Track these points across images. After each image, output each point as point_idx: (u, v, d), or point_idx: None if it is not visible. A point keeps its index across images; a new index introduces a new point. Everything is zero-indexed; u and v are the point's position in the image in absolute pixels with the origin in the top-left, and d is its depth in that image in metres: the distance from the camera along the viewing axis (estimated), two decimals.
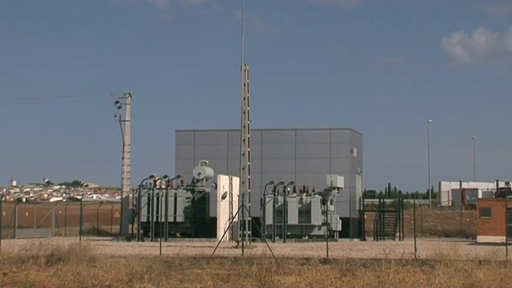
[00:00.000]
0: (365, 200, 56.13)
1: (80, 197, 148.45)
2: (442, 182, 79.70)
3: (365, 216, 54.32)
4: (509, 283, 19.94)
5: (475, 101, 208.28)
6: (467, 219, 58.13)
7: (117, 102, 55.27)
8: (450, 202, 74.71)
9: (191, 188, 50.23)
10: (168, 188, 49.93)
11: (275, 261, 27.01)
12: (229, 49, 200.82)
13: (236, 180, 45.86)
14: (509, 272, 21.42)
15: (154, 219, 48.46)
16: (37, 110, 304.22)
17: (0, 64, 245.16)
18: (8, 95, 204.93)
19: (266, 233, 46.26)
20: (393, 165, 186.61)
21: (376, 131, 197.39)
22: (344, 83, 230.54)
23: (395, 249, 28.64)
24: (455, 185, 78.39)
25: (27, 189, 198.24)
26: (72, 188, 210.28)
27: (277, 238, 46.86)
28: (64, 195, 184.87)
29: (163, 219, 48.24)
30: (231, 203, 46.90)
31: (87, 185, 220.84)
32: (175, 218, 49.00)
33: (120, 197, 60.28)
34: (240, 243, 34.77)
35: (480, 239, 43.13)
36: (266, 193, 47.76)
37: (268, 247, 31.44)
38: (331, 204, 48.01)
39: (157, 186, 49.88)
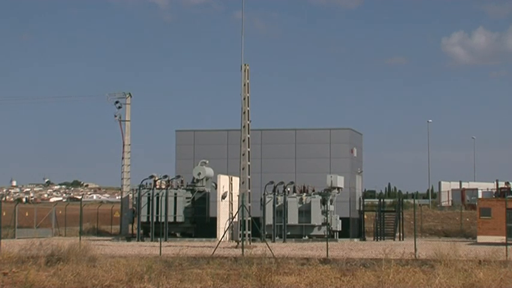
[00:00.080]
0: (365, 200, 56.10)
1: (80, 197, 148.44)
2: (442, 182, 79.70)
3: (365, 216, 54.30)
4: (509, 283, 19.95)
5: (475, 101, 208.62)
6: (467, 219, 58.12)
7: (117, 102, 55.28)
8: (450, 202, 74.69)
9: (191, 188, 50.23)
10: (168, 188, 49.92)
11: (275, 261, 27.01)
12: (229, 49, 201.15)
13: (236, 180, 45.85)
14: (509, 272, 21.42)
15: (154, 219, 48.46)
16: (37, 110, 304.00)
17: (0, 64, 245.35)
18: (8, 95, 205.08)
19: (266, 233, 46.26)
20: (393, 165, 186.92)
21: (376, 131, 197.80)
22: (344, 83, 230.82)
23: (395, 249, 28.64)
24: (455, 185, 78.39)
25: (27, 189, 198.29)
26: (72, 188, 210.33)
27: (277, 238, 46.86)
28: (64, 195, 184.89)
29: (163, 219, 48.23)
30: (231, 203, 46.90)
31: (87, 185, 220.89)
32: (175, 218, 49.00)
33: (120, 197, 60.28)
34: (240, 243, 34.76)
35: (480, 239, 43.13)
36: (266, 193, 47.76)
37: (268, 247, 31.44)
38: (331, 204, 48.01)
39: (157, 186, 49.88)
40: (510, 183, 50.95)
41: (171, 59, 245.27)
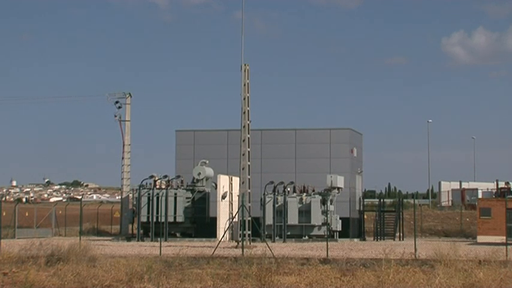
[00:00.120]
0: (365, 200, 56.11)
1: (80, 197, 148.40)
2: (442, 182, 79.69)
3: (365, 216, 54.31)
4: (509, 283, 19.95)
5: (475, 101, 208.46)
6: (467, 219, 58.12)
7: (117, 102, 55.30)
8: (450, 202, 74.68)
9: (191, 188, 50.23)
10: (168, 188, 49.93)
11: (275, 261, 27.01)
12: (229, 49, 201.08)
13: (236, 180, 45.85)
14: (509, 272, 21.42)
15: (154, 219, 48.46)
16: (37, 110, 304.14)
17: (0, 64, 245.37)
18: (8, 95, 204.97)
19: (266, 233, 46.26)
20: (393, 165, 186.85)
21: (376, 131, 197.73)
22: (344, 83, 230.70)
23: (395, 249, 28.64)
24: (455, 185, 78.38)
25: (27, 189, 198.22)
26: (72, 188, 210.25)
27: (277, 238, 46.85)
28: (64, 195, 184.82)
29: (163, 219, 48.23)
30: (231, 203, 46.90)
31: (87, 185, 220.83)
32: (175, 218, 49.00)
33: (120, 197, 60.28)
34: (240, 243, 34.76)
35: (480, 239, 43.13)
36: (266, 193, 47.76)
37: (268, 247, 31.44)
38: (331, 204, 48.01)
39: (157, 186, 49.88)
40: (510, 183, 50.95)
41: (171, 59, 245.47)
